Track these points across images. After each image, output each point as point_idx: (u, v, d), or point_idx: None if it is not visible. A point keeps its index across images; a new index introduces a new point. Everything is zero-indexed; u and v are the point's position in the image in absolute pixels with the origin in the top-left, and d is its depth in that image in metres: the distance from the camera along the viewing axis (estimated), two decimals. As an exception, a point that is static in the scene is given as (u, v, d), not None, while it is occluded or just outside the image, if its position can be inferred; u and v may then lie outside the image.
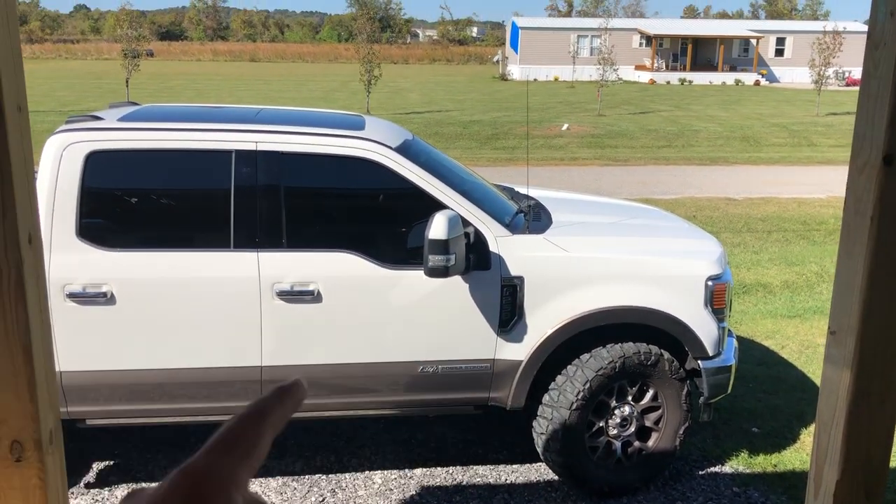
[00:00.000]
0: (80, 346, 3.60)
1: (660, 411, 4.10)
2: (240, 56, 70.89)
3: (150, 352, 3.66)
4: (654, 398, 4.08)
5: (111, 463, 4.36)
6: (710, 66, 49.00)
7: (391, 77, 38.69)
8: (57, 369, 3.58)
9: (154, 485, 0.41)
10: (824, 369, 1.50)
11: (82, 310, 3.57)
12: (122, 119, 3.89)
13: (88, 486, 4.13)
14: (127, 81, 24.56)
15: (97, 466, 4.32)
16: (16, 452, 1.63)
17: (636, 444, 4.12)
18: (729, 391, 4.19)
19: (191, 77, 42.59)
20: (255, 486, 4.15)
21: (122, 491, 4.08)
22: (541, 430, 4.03)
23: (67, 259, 3.55)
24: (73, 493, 4.06)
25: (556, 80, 46.03)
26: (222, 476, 0.43)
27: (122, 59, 25.17)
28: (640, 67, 48.17)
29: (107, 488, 4.11)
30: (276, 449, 4.53)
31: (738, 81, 45.28)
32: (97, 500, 4.00)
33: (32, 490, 1.65)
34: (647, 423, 4.11)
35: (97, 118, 3.88)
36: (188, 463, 0.43)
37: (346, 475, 4.31)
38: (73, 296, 3.55)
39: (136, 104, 4.50)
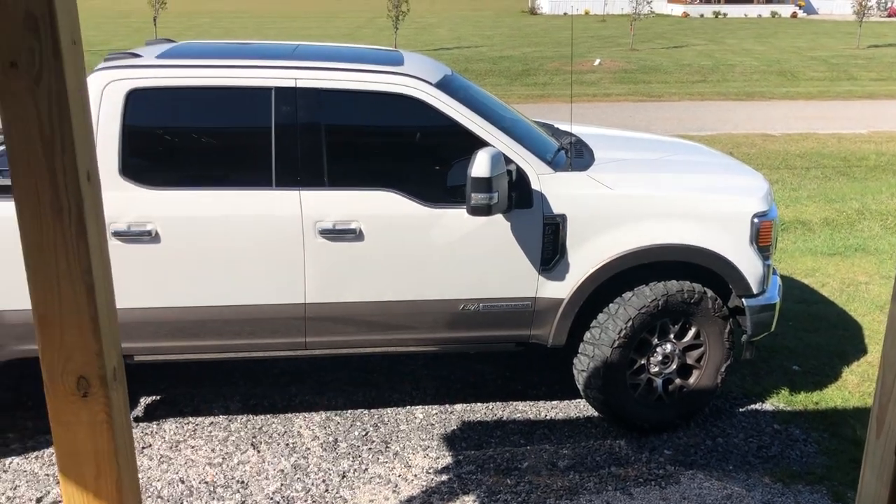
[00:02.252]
0: (126, 284, 3.63)
1: (702, 349, 4.08)
2: (264, -7, 69.88)
3: (194, 289, 3.69)
4: (697, 336, 4.05)
5: (158, 398, 4.45)
6: (746, -2, 47.43)
7: (419, 13, 38.00)
8: (104, 307, 3.63)
9: None
10: (891, 309, 1.45)
11: (127, 248, 3.60)
12: (161, 56, 3.85)
13: (137, 419, 4.23)
14: (154, 20, 24.39)
15: (144, 401, 4.42)
16: (82, 388, 1.66)
17: (677, 381, 4.12)
18: (772, 329, 4.15)
19: (217, 15, 42.18)
20: (300, 420, 4.23)
21: (169, 425, 4.18)
22: (582, 367, 4.04)
23: (111, 198, 3.56)
24: (122, 426, 4.17)
25: (586, 13, 44.92)
26: None
27: (148, -2, 24.95)
28: (673, 0, 46.77)
29: (154, 422, 4.21)
30: (317, 384, 4.60)
31: (774, 14, 43.86)
32: (146, 434, 4.10)
33: (99, 425, 1.68)
34: (689, 361, 4.10)
35: (136, 55, 3.85)
36: None
37: (388, 410, 4.36)
38: (118, 234, 3.57)
39: (171, 41, 4.45)
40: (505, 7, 52.98)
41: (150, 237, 3.60)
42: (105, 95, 3.58)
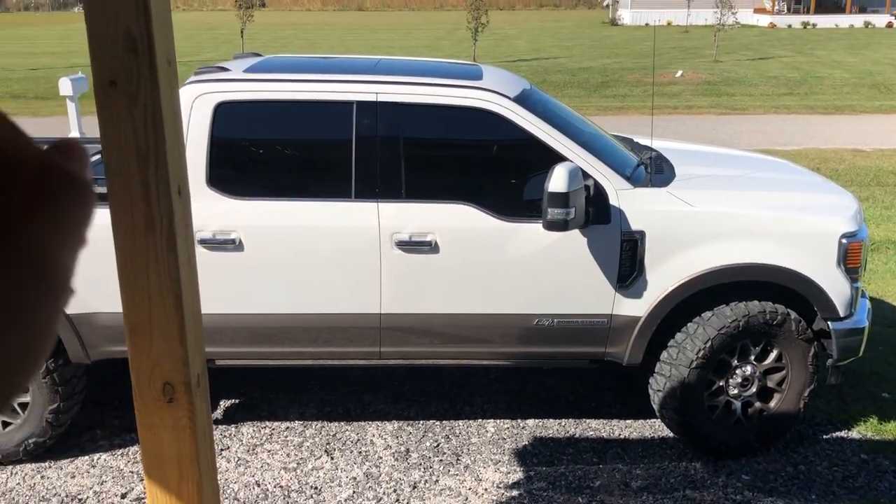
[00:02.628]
0: (209, 290, 3.74)
1: (784, 372, 3.95)
2: (347, 5, 71.40)
3: (274, 297, 3.79)
4: (779, 359, 3.93)
5: (237, 402, 4.58)
6: (837, 8, 45.87)
7: (498, 24, 38.10)
8: (188, 312, 3.76)
9: None
10: None
11: (212, 256, 3.71)
12: (248, 70, 3.97)
13: (216, 422, 4.35)
14: (242, 32, 25.17)
15: (224, 405, 4.54)
16: (168, 393, 1.72)
17: (757, 404, 3.99)
18: (860, 354, 3.99)
19: (301, 27, 43.24)
20: (373, 428, 4.28)
21: (247, 428, 4.29)
22: (658, 386, 3.96)
23: (198, 207, 3.67)
24: (202, 428, 4.30)
25: (668, 24, 44.21)
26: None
27: (236, 10, 25.77)
28: (759, 10, 45.59)
29: (233, 425, 4.32)
30: (390, 394, 4.64)
31: (867, 24, 42.24)
32: (225, 436, 4.21)
33: (182, 430, 1.74)
34: (770, 384, 3.97)
35: (224, 69, 3.98)
36: None
37: (460, 422, 4.37)
38: (203, 242, 3.69)
39: (258, 55, 4.59)
40: (585, 18, 52.64)
41: (234, 245, 3.71)
42: (195, 108, 3.71)
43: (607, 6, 52.76)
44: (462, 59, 4.77)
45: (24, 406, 3.86)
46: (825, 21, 43.12)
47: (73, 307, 3.70)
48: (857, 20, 43.04)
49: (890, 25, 42.05)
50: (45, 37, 37.70)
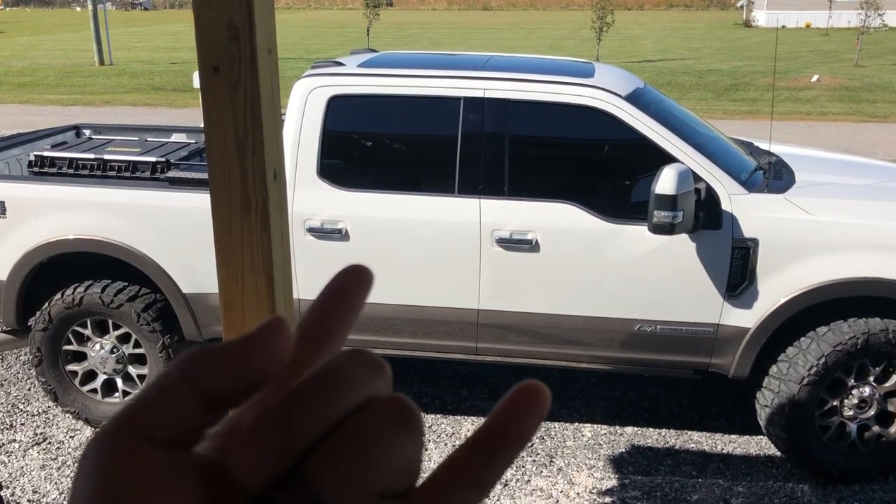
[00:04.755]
0: (316, 277, 3.87)
1: (907, 396, 3.69)
2: (473, 5, 71.86)
3: (378, 287, 3.84)
4: (901, 382, 3.67)
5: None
6: None
7: (624, 24, 37.37)
8: (296, 297, 3.89)
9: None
10: None
11: (320, 244, 3.83)
12: (361, 65, 4.07)
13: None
14: (368, 30, 25.79)
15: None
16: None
17: (875, 428, 3.75)
18: None
19: (426, 26, 43.88)
20: (468, 423, 4.30)
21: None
22: (765, 402, 3.78)
23: (309, 196, 3.81)
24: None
25: (807, 26, 42.05)
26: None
27: (363, 9, 26.43)
28: (910, 11, 42.63)
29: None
30: (487, 390, 4.65)
31: None
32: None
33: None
34: (891, 408, 3.72)
35: (339, 64, 4.09)
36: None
37: (556, 424, 4.32)
38: (312, 230, 3.81)
39: (374, 51, 4.69)
40: (718, 19, 50.84)
41: (341, 235, 3.81)
42: (309, 101, 3.83)
43: (741, 7, 50.74)
44: (586, 58, 4.72)
45: (142, 378, 4.10)
46: None
47: (188, 286, 3.90)
48: None
49: None
50: (186, 33, 39.90)
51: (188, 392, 0.30)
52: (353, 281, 0.36)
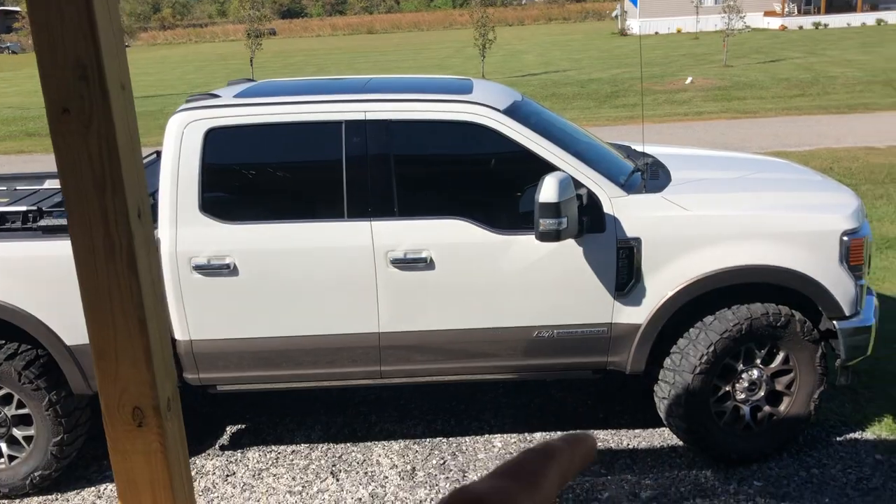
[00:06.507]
0: (208, 315, 3.76)
1: (792, 375, 3.88)
2: (358, 29, 72.00)
3: (273, 320, 3.79)
4: (786, 361, 3.86)
5: (243, 427, 4.57)
6: (848, 7, 45.50)
7: (506, 40, 38.22)
8: (188, 338, 3.78)
9: None
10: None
11: (208, 281, 3.72)
12: (238, 95, 4.00)
13: (223, 448, 4.35)
14: (251, 61, 25.44)
15: (230, 430, 4.54)
16: (137, 418, 1.71)
17: (766, 408, 3.92)
18: (869, 353, 3.91)
19: (311, 53, 43.65)
20: (379, 448, 4.25)
21: (253, 453, 4.28)
22: (663, 394, 3.91)
23: (192, 233, 3.71)
24: (208, 454, 4.29)
25: (678, 31, 44.13)
26: (500, 499, 0.45)
27: (245, 40, 26.07)
28: (769, 13, 45.38)
29: (239, 450, 4.32)
30: (396, 413, 4.62)
31: (880, 21, 41.89)
32: (231, 462, 4.21)
33: (154, 454, 1.73)
34: (779, 388, 3.91)
35: (215, 96, 4.01)
36: (471, 484, 0.47)
37: (467, 438, 4.34)
38: (199, 268, 3.71)
39: (251, 80, 4.62)
40: (595, 29, 52.68)
41: (229, 270, 3.72)
42: (185, 135, 3.74)
43: (616, 17, 52.77)
44: (471, 75, 4.80)
45: (28, 439, 3.88)
46: (837, 21, 42.80)
47: (71, 338, 3.72)
48: (870, 18, 42.70)
49: (902, 22, 41.64)
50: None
51: (554, 472, 0.48)
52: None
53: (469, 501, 0.44)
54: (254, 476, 4.08)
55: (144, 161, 4.82)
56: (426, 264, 3.73)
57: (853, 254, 3.77)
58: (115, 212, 1.58)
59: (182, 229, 3.70)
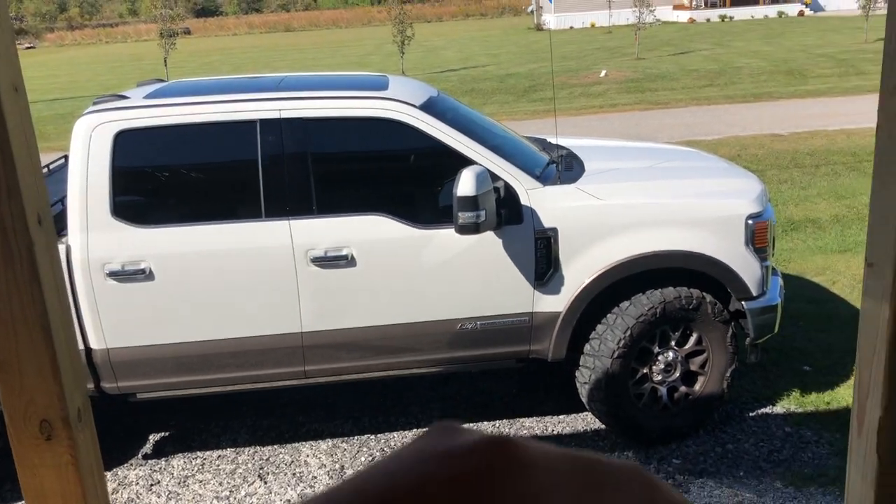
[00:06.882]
0: (124, 322, 3.67)
1: (705, 355, 4.03)
2: (275, 27, 70.90)
3: (192, 324, 3.72)
4: (699, 342, 4.01)
5: (167, 434, 4.47)
6: (752, 0, 47.28)
7: (425, 36, 38.28)
8: (105, 346, 3.68)
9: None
10: (863, 303, 1.43)
11: (123, 287, 3.63)
12: (148, 97, 3.91)
13: (146, 457, 4.25)
14: (165, 61, 24.77)
15: (153, 438, 4.44)
16: (45, 431, 1.66)
17: (682, 389, 4.07)
18: (776, 331, 4.10)
19: (228, 52, 42.79)
20: (307, 448, 4.23)
21: (177, 460, 4.19)
22: (584, 379, 4.01)
23: (105, 238, 3.61)
24: (131, 463, 4.19)
25: (592, 26, 45.01)
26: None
27: (159, 40, 25.37)
28: (678, 7, 46.75)
29: (163, 458, 4.23)
30: (324, 412, 4.60)
31: (781, 13, 43.65)
32: (155, 471, 4.12)
33: (65, 467, 1.69)
34: (693, 368, 4.05)
35: (124, 97, 3.91)
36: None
37: (395, 433, 4.35)
38: (113, 274, 3.61)
39: (162, 81, 4.52)
40: (512, 25, 53.25)
41: (145, 275, 3.63)
42: (93, 138, 3.64)
43: (531, 12, 53.45)
44: (391, 72, 4.81)
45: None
46: (741, 13, 44.41)
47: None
48: (772, 11, 44.44)
49: (801, 14, 43.55)
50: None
51: None
52: None
53: (500, 443, 0.35)
54: (179, 484, 4.00)
55: (54, 165, 4.75)
56: (347, 261, 3.73)
57: (758, 236, 3.94)
58: (13, 218, 1.54)
59: (94, 235, 3.60)
